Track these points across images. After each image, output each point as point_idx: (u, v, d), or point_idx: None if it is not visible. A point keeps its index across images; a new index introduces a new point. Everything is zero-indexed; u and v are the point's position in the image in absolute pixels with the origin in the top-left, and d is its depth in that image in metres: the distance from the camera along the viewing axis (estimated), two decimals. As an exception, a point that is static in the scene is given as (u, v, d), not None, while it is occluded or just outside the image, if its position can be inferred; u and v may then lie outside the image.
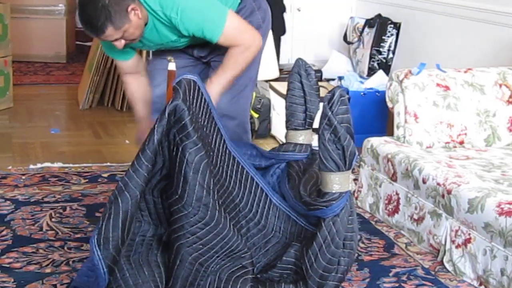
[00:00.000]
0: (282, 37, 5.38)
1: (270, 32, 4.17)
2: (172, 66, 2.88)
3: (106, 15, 2.59)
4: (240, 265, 2.44)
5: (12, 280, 2.69)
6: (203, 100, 2.51)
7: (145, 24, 2.81)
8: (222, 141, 2.60)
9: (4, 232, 3.12)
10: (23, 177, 3.83)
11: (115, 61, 3.13)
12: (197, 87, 2.48)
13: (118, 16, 2.62)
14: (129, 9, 2.64)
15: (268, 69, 4.32)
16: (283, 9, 5.09)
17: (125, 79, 3.22)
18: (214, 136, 2.57)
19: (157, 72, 3.18)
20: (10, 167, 4.00)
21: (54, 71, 6.83)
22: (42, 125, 4.96)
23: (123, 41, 2.75)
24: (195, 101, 2.45)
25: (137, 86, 3.19)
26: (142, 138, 2.68)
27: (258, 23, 3.10)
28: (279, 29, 5.05)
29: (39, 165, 4.04)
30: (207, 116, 2.53)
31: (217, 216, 2.35)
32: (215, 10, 2.85)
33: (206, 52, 3.15)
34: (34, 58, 7.09)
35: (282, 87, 4.39)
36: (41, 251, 2.95)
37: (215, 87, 2.80)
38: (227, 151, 2.62)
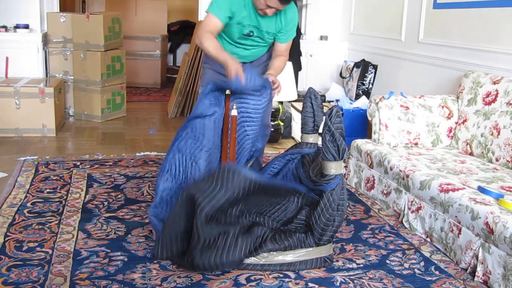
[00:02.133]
0: (300, 73, 5.37)
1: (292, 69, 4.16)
2: (234, 112, 2.56)
3: None
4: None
5: (124, 226, 2.74)
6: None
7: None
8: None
9: (119, 196, 3.17)
10: (132, 161, 3.88)
11: (209, 20, 2.68)
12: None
13: None
14: None
15: (290, 94, 4.32)
16: (300, 54, 5.10)
17: (209, 34, 2.69)
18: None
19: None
20: (123, 154, 4.05)
21: (152, 93, 6.91)
22: (144, 127, 5.00)
23: (273, 10, 2.63)
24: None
25: (215, 40, 2.72)
26: (233, 74, 2.59)
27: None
28: (297, 67, 5.04)
29: (142, 153, 4.08)
30: None
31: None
32: None
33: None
34: (139, 85, 7.17)
35: (299, 105, 4.39)
36: (142, 208, 2.99)
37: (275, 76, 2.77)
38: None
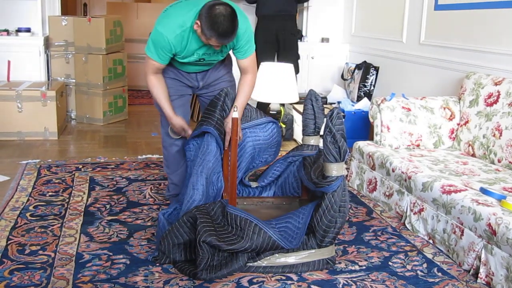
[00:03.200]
0: (301, 75, 5.37)
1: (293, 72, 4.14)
2: (235, 114, 2.43)
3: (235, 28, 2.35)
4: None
5: (126, 229, 2.74)
6: None
7: None
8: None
9: (121, 199, 3.17)
10: (134, 164, 3.88)
11: (152, 62, 2.55)
12: None
13: None
14: None
15: (291, 96, 4.32)
16: (298, 57, 5.08)
17: (152, 77, 2.62)
18: None
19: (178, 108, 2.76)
20: (125, 157, 4.06)
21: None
22: (146, 130, 5.00)
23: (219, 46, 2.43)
24: None
25: (162, 84, 2.65)
26: (179, 131, 2.66)
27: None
28: (295, 70, 5.04)
29: (144, 156, 4.08)
30: None
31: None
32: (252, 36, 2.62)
33: (205, 82, 2.79)
34: (141, 88, 7.17)
35: (300, 107, 4.40)
36: (144, 211, 3.00)
37: (242, 108, 2.67)
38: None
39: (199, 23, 2.34)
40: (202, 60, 2.61)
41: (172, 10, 2.49)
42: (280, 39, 4.91)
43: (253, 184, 2.83)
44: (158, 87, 2.64)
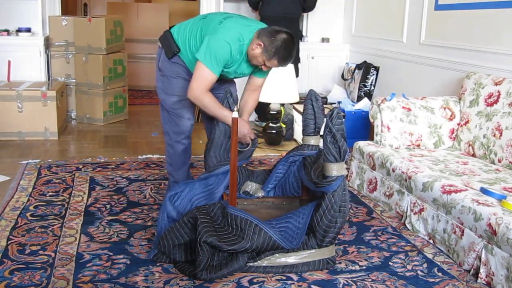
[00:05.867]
0: (300, 75, 5.35)
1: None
2: (235, 114, 2.37)
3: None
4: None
5: (126, 229, 2.74)
6: None
7: None
8: None
9: (122, 199, 3.17)
10: (134, 164, 3.88)
11: (209, 76, 2.49)
12: None
13: None
14: None
15: (291, 96, 4.32)
16: (298, 60, 5.07)
17: (209, 94, 2.57)
18: None
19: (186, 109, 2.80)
20: (126, 157, 4.06)
21: (154, 96, 6.90)
22: (146, 130, 5.00)
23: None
24: None
25: (214, 97, 2.61)
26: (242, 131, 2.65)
27: None
28: (296, 73, 5.03)
29: (144, 156, 4.08)
30: None
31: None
32: None
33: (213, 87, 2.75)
34: (142, 88, 7.17)
35: (301, 107, 4.39)
36: (144, 211, 3.00)
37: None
38: None
39: (262, 44, 2.42)
40: (234, 78, 2.71)
41: (229, 23, 2.51)
42: None
43: (260, 193, 2.81)
44: (214, 100, 2.55)
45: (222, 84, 2.81)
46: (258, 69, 2.67)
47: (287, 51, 2.44)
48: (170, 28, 2.78)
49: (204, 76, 2.51)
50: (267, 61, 2.46)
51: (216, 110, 2.58)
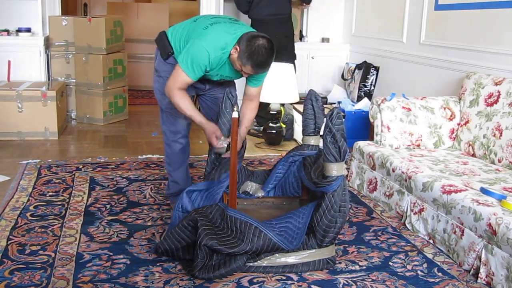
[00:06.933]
0: (300, 75, 5.34)
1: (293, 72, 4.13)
2: (235, 114, 2.41)
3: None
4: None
5: (126, 229, 2.74)
6: None
7: None
8: None
9: (121, 199, 3.17)
10: (134, 164, 3.88)
11: (184, 78, 2.51)
12: None
13: None
14: None
15: (292, 96, 4.32)
16: (294, 57, 5.04)
17: (179, 92, 2.55)
18: None
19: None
20: (126, 157, 4.06)
21: (154, 96, 6.90)
22: (146, 130, 5.00)
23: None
24: None
25: (187, 96, 2.61)
26: (211, 137, 2.64)
27: None
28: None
29: (144, 156, 4.08)
30: None
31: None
32: None
33: (211, 85, 2.81)
34: (141, 88, 7.16)
35: (301, 107, 4.40)
36: (144, 211, 3.00)
37: (245, 133, 2.78)
38: None
39: (238, 49, 2.41)
40: (221, 80, 2.68)
41: (214, 30, 2.50)
42: (274, 42, 4.86)
43: (260, 193, 2.81)
44: (185, 99, 2.58)
45: (222, 85, 2.81)
46: (251, 78, 2.67)
47: (262, 57, 2.40)
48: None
49: (180, 77, 2.53)
50: (243, 66, 2.45)
51: (192, 113, 2.60)
